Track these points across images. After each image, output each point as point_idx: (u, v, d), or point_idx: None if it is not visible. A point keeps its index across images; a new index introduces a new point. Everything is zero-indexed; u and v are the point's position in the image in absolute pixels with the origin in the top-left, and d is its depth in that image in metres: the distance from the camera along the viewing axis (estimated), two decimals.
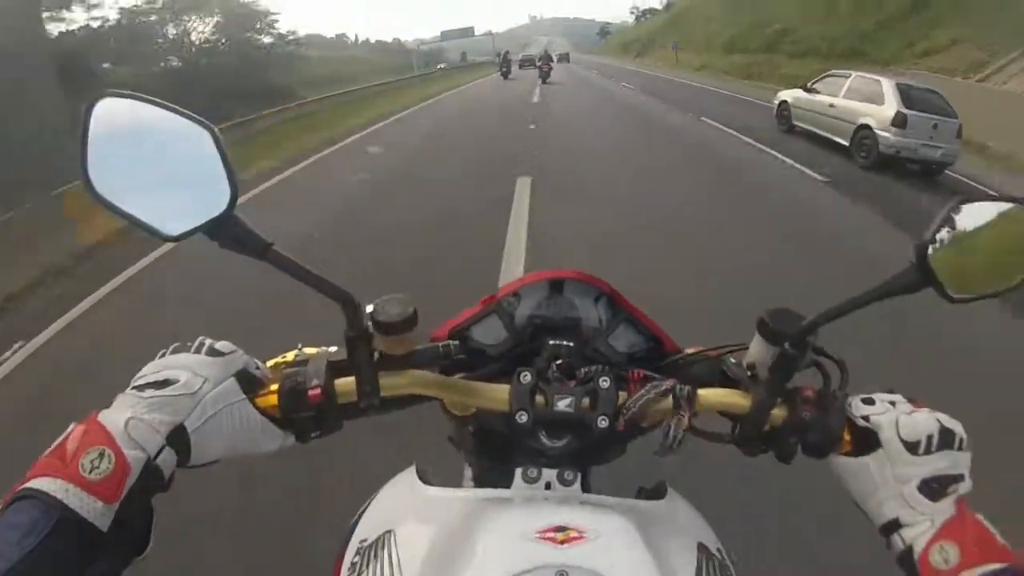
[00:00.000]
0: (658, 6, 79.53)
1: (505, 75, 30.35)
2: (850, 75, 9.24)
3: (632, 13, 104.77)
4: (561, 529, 0.49)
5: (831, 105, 9.12)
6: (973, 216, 0.56)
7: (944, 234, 0.54)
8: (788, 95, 10.79)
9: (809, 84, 10.04)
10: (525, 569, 0.45)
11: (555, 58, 38.54)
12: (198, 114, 0.49)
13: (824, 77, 9.84)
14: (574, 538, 0.49)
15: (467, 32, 63.84)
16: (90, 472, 0.42)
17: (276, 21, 32.05)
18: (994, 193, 0.62)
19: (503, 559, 0.47)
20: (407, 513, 0.58)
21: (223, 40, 27.26)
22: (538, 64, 27.27)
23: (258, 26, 29.31)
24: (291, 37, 32.39)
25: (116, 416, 0.46)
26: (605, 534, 0.50)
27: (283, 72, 28.09)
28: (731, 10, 34.25)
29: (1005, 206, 0.57)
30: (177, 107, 0.50)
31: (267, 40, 29.95)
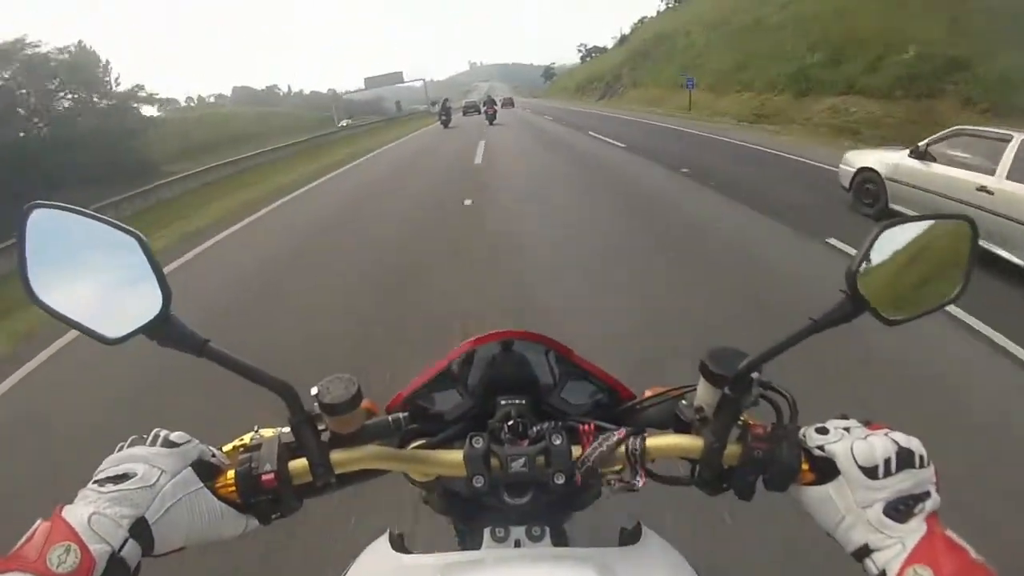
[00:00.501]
0: (608, 43, 75.20)
1: (445, 124, 26.81)
2: (1012, 137, 4.64)
3: (579, 51, 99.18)
4: None
5: (983, 189, 4.63)
6: (897, 238, 0.57)
7: (872, 261, 0.55)
8: (877, 161, 6.16)
9: (923, 145, 5.55)
10: None
11: (499, 102, 36.10)
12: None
13: (949, 136, 5.39)
14: None
15: (395, 78, 57.25)
16: (58, 567, 0.43)
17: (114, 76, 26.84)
18: (915, 215, 0.62)
19: None
20: None
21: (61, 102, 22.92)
22: (483, 109, 28.62)
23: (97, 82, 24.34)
24: (140, 93, 26.89)
25: (79, 511, 0.47)
26: None
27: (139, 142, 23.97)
28: (732, 39, 24.55)
29: (926, 224, 0.59)
30: (105, 217, 0.53)
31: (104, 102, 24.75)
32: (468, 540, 0.65)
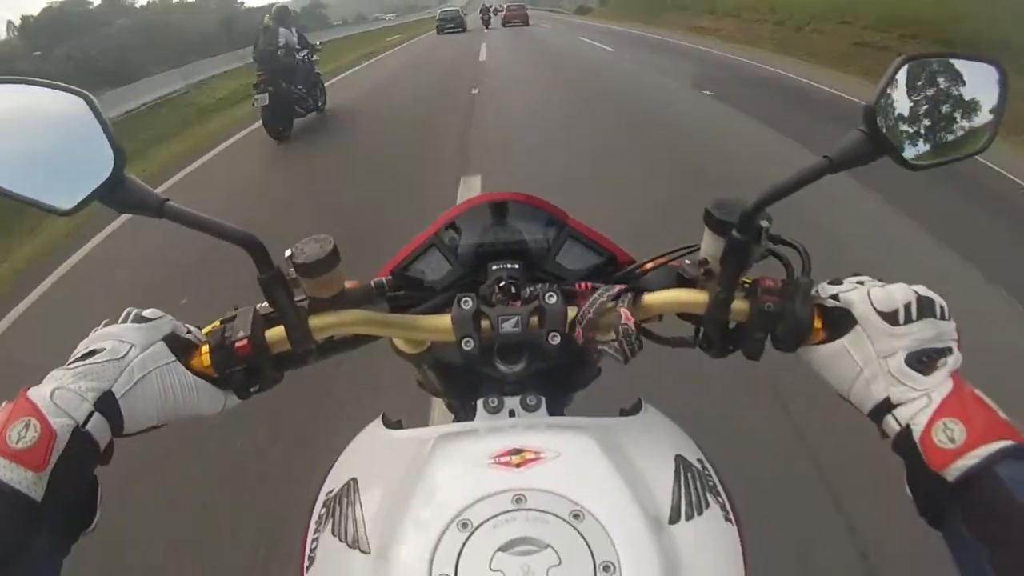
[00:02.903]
0: None
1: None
2: None
3: None
4: (516, 452, 0.48)
5: None
6: (920, 75, 0.52)
7: (892, 95, 0.50)
8: None
9: None
10: (479, 496, 0.44)
11: (493, 14, 33.82)
12: None
13: None
14: (530, 460, 0.47)
15: None
16: (16, 443, 0.41)
17: None
18: (941, 50, 0.57)
19: (458, 488, 0.45)
20: (372, 459, 0.57)
21: None
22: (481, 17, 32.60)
23: None
24: None
25: (43, 389, 0.46)
26: (565, 453, 0.48)
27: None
28: None
29: (952, 62, 0.53)
30: (46, 80, 0.50)
31: None
32: (462, 415, 0.63)
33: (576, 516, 0.43)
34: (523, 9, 33.11)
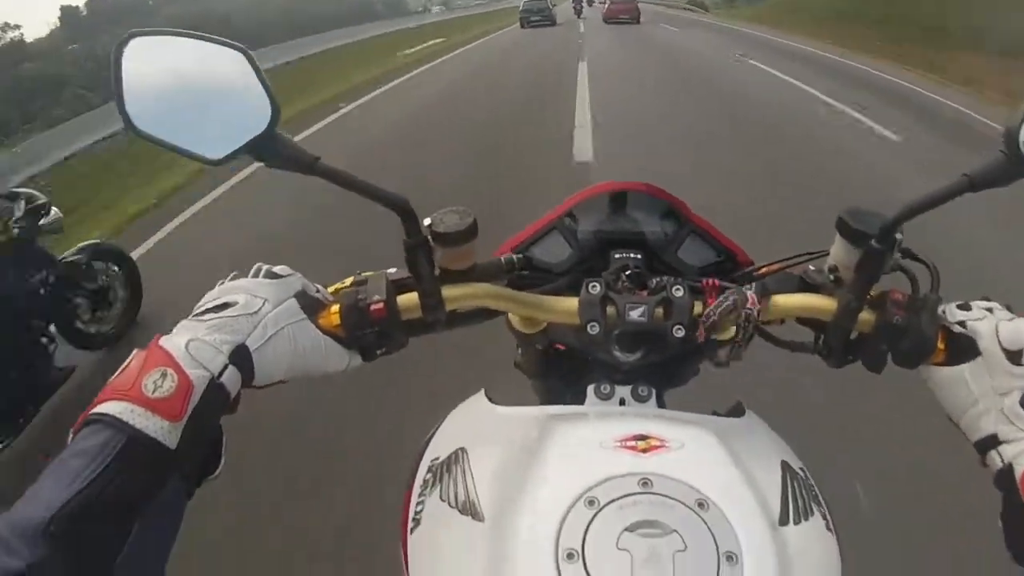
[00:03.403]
0: None
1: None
2: None
3: None
4: (642, 438, 0.48)
5: None
6: None
7: None
8: None
9: None
10: (606, 477, 0.44)
11: (587, 4, 31.30)
12: None
13: None
14: (655, 447, 0.47)
15: None
16: (153, 392, 0.42)
17: None
18: None
19: (582, 468, 0.45)
20: (479, 431, 0.57)
21: None
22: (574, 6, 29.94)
23: None
24: None
25: (177, 339, 0.46)
26: (689, 444, 0.48)
27: None
28: None
29: None
30: (207, 35, 0.51)
31: None
32: (567, 399, 0.63)
33: (701, 505, 0.43)
34: (632, 1, 23.60)
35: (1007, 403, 0.48)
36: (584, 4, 30.26)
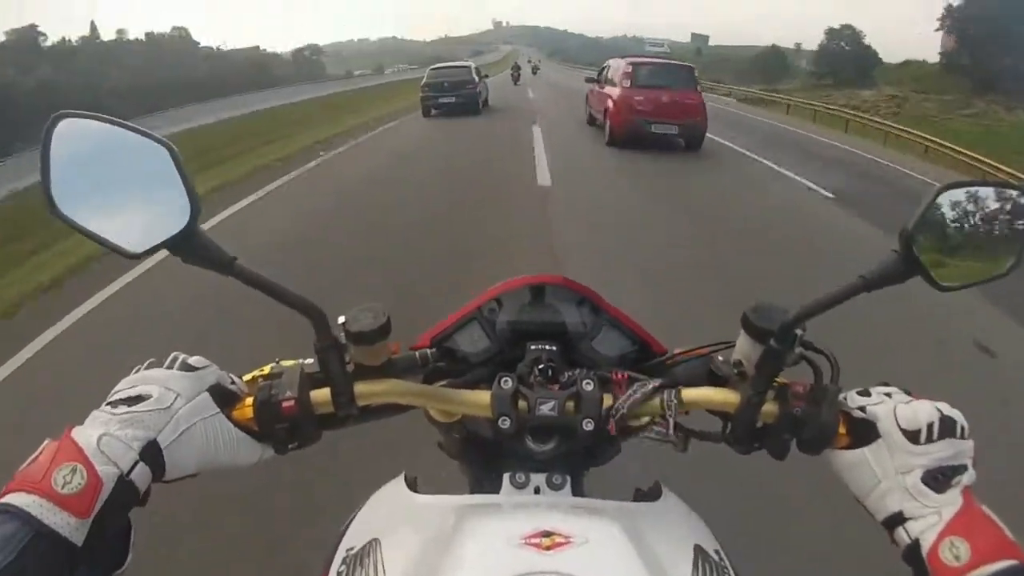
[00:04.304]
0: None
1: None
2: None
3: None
4: (547, 535, 0.49)
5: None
6: (956, 201, 0.55)
7: (928, 221, 0.53)
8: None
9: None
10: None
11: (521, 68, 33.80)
12: None
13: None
14: (560, 543, 0.48)
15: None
16: (63, 488, 0.42)
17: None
18: (976, 179, 0.59)
19: (488, 566, 0.46)
20: (394, 521, 0.57)
21: None
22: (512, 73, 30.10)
23: None
24: None
25: (89, 432, 0.46)
26: (593, 539, 0.49)
27: None
28: None
29: (988, 191, 0.57)
30: (135, 126, 0.51)
31: None
32: (485, 485, 0.64)
33: None
34: (692, 92, 10.18)
35: (909, 481, 0.50)
36: (525, 68, 34.15)
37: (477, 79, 15.54)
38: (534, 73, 37.84)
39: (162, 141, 0.50)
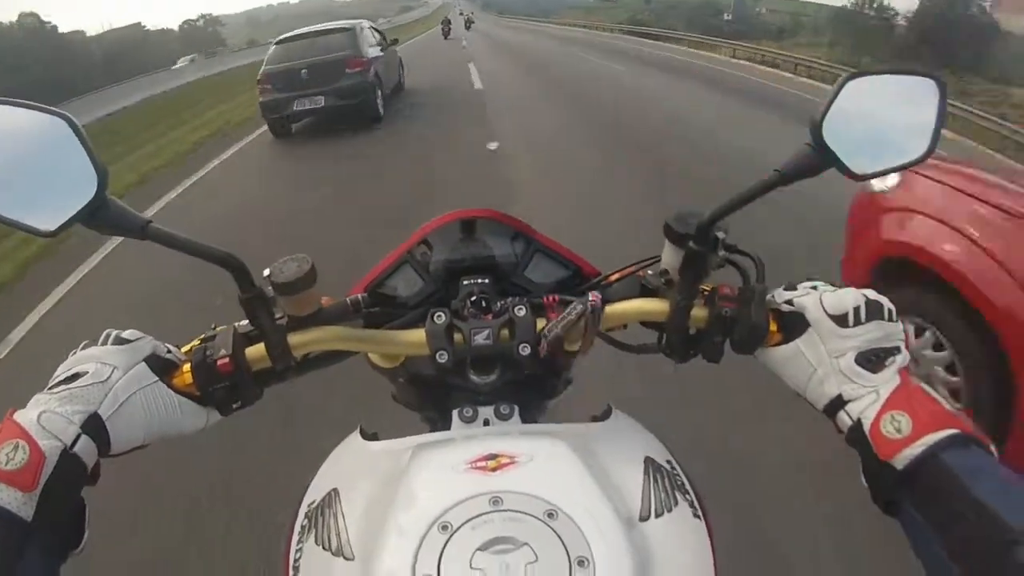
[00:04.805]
0: None
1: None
2: None
3: None
4: (492, 457, 0.50)
5: None
6: (864, 91, 0.56)
7: (837, 110, 0.54)
8: None
9: None
10: (458, 500, 0.46)
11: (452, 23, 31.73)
12: None
13: None
14: (505, 464, 0.49)
15: None
16: (6, 464, 0.42)
17: None
18: (881, 67, 0.61)
19: (437, 493, 0.47)
20: (351, 470, 0.58)
21: None
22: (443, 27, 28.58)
23: None
24: None
25: (30, 413, 0.46)
26: (538, 456, 0.50)
27: None
28: None
29: (893, 78, 0.57)
30: (27, 101, 0.50)
31: None
32: (439, 426, 0.65)
33: (551, 515, 0.45)
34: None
35: (843, 364, 0.51)
36: (458, 20, 34.08)
37: (371, 53, 8.69)
38: (467, 28, 34.99)
39: (57, 112, 0.49)
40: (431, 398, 0.68)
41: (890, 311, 0.53)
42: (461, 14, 43.88)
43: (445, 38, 27.30)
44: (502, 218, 0.67)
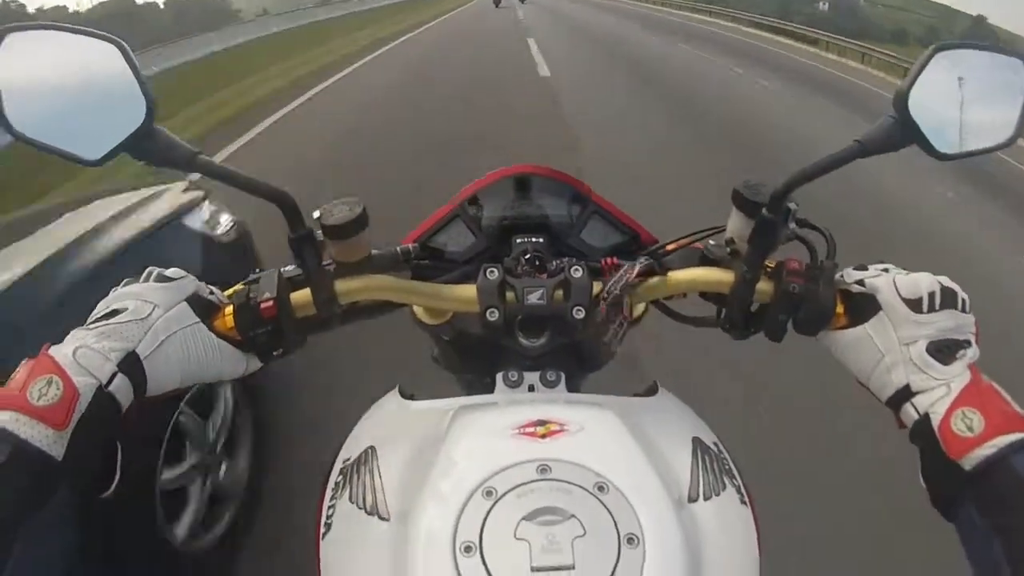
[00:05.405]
0: None
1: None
2: None
3: None
4: (541, 423, 0.48)
5: None
6: (951, 64, 0.53)
7: (924, 84, 0.50)
8: None
9: None
10: (504, 466, 0.44)
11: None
12: None
13: None
14: (555, 431, 0.47)
15: None
16: (38, 400, 0.41)
17: None
18: (969, 41, 0.57)
19: (482, 458, 0.45)
20: (389, 428, 0.56)
21: None
22: None
23: None
24: None
25: (65, 348, 0.45)
26: (589, 426, 0.48)
27: None
28: None
29: (984, 54, 0.54)
30: (83, 28, 0.49)
31: None
32: (479, 389, 0.63)
33: (600, 488, 0.43)
34: None
35: (914, 352, 0.48)
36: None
37: None
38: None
39: (110, 38, 0.48)
40: (474, 359, 0.66)
41: (964, 300, 0.50)
42: None
43: (496, 6, 24.60)
44: (559, 176, 0.65)
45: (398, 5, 26.37)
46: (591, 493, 0.42)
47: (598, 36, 16.31)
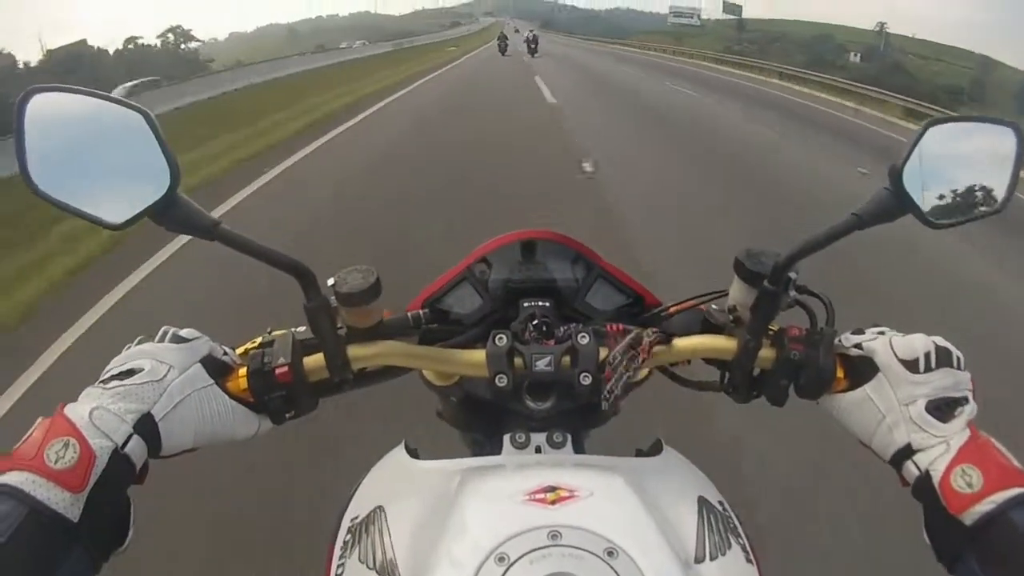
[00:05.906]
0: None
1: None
2: None
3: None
4: (551, 489, 0.48)
5: None
6: (943, 138, 0.55)
7: (917, 158, 0.53)
8: None
9: None
10: (516, 532, 0.44)
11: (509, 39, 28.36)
12: None
13: None
14: (565, 497, 0.47)
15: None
16: (56, 463, 0.41)
17: None
18: (962, 115, 0.60)
19: (493, 524, 0.45)
20: (397, 488, 0.57)
21: None
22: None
23: None
24: None
25: (81, 408, 0.45)
26: (598, 492, 0.49)
27: None
28: None
29: (972, 125, 0.57)
30: (108, 94, 0.51)
31: None
32: (486, 449, 0.63)
33: (611, 553, 0.43)
34: None
35: (914, 411, 0.49)
36: (514, 39, 28.75)
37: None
38: (532, 52, 24.64)
39: (136, 107, 0.49)
40: (480, 418, 0.67)
41: (959, 359, 0.52)
42: (517, 31, 39.96)
43: (503, 54, 25.73)
44: (564, 240, 0.66)
45: (381, 59, 26.13)
46: (601, 559, 0.43)
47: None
